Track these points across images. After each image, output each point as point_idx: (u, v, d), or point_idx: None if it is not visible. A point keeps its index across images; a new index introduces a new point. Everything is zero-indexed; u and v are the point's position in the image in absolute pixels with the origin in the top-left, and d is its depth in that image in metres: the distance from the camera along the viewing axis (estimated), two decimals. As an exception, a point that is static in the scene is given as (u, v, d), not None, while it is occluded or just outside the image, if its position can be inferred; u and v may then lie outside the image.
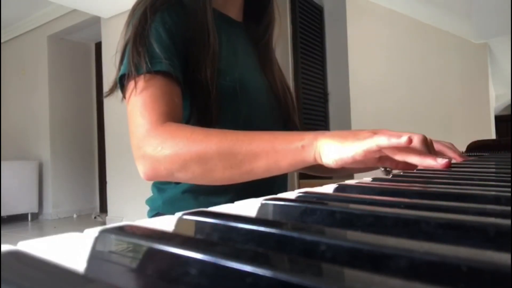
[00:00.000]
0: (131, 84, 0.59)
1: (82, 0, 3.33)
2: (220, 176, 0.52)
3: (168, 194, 0.70)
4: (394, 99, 2.50)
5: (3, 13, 4.29)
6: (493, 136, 2.21)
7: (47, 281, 0.11)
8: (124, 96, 0.64)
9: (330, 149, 0.46)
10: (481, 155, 0.87)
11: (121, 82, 0.63)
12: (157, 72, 0.58)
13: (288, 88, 0.85)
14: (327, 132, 0.48)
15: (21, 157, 4.77)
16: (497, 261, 0.11)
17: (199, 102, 0.65)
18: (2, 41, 5.05)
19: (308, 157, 0.48)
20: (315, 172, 0.89)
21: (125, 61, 0.62)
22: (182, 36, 0.64)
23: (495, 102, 2.86)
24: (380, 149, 0.44)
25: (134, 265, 0.15)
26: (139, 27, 0.61)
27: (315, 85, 4.20)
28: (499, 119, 2.56)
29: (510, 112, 3.69)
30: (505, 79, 2.68)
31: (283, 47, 3.48)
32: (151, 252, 0.15)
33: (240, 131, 0.53)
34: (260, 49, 0.82)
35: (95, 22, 4.00)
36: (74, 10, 4.04)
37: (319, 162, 0.47)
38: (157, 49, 0.60)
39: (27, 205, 4.46)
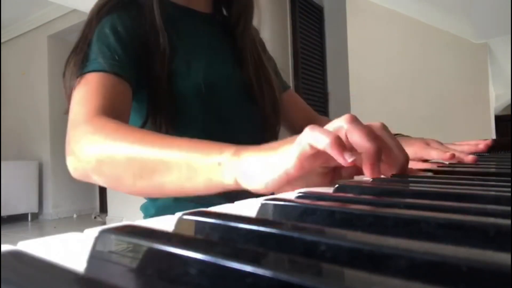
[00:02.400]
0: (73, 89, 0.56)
1: (82, 0, 3.33)
2: (131, 185, 0.45)
3: (160, 202, 0.68)
4: (394, 99, 2.50)
5: (3, 13, 4.29)
6: (493, 136, 2.21)
7: (47, 281, 0.11)
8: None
9: (256, 169, 0.34)
10: (481, 155, 0.87)
11: None
12: (94, 71, 0.56)
13: (270, 82, 0.76)
14: (258, 147, 0.37)
15: (21, 157, 4.77)
16: (497, 261, 0.11)
17: (154, 104, 0.63)
18: (2, 41, 5.05)
19: (227, 179, 0.37)
20: None
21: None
22: (134, 38, 0.62)
23: (495, 102, 2.86)
24: (317, 152, 0.32)
25: (134, 265, 0.15)
26: (83, 33, 0.60)
27: (315, 85, 4.19)
28: (499, 119, 2.56)
29: (510, 112, 3.69)
30: (505, 79, 2.68)
31: (283, 47, 3.48)
32: (151, 252, 0.15)
33: (165, 136, 0.45)
34: (236, 40, 0.75)
35: (95, 22, 4.00)
36: (74, 10, 4.04)
37: (244, 187, 0.36)
38: (95, 51, 0.57)
39: (27, 205, 4.46)
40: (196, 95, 0.65)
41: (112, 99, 0.54)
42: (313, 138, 0.31)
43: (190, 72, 0.66)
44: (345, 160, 0.30)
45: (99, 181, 0.48)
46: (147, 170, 0.43)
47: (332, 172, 0.39)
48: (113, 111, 0.52)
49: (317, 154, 0.32)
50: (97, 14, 0.61)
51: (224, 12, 0.80)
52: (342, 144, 0.30)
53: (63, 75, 0.59)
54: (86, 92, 0.54)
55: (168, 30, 0.64)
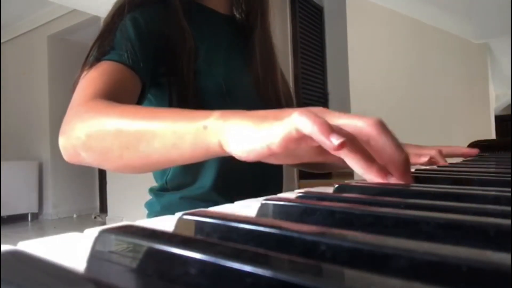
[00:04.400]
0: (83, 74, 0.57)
1: (82, 0, 3.33)
2: (118, 158, 0.45)
3: (166, 199, 0.69)
4: (394, 99, 2.50)
5: (3, 13, 4.29)
6: (493, 136, 2.21)
7: (47, 281, 0.11)
8: None
9: (241, 135, 0.34)
10: (481, 155, 0.87)
11: None
12: (107, 61, 0.56)
13: (286, 84, 0.81)
14: (245, 112, 0.36)
15: (21, 157, 4.77)
16: (497, 261, 0.11)
17: (178, 102, 0.63)
18: (2, 41, 5.05)
19: (212, 143, 0.37)
20: (310, 169, 0.87)
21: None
22: (156, 35, 0.62)
23: (495, 102, 2.86)
24: (303, 137, 0.30)
25: (134, 265, 0.15)
26: (110, 23, 0.60)
27: (315, 85, 4.19)
28: (499, 119, 2.56)
29: (510, 112, 3.69)
30: (505, 79, 2.68)
31: (283, 47, 3.48)
32: (151, 252, 0.15)
33: (155, 107, 0.45)
34: (253, 42, 0.76)
35: (95, 22, 4.00)
36: (74, 10, 4.04)
37: (228, 151, 0.36)
38: (115, 42, 0.57)
39: (27, 205, 4.46)
40: (217, 93, 0.66)
41: (115, 86, 0.54)
42: (301, 122, 0.30)
43: (211, 71, 0.67)
44: (332, 144, 0.28)
45: (87, 157, 0.48)
46: (134, 140, 0.42)
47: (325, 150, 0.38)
48: (112, 96, 0.52)
49: (304, 137, 0.30)
50: (129, 4, 0.61)
51: (238, 15, 0.81)
52: (328, 130, 0.28)
53: (86, 57, 0.59)
54: (90, 78, 0.54)
55: (192, 29, 0.65)
